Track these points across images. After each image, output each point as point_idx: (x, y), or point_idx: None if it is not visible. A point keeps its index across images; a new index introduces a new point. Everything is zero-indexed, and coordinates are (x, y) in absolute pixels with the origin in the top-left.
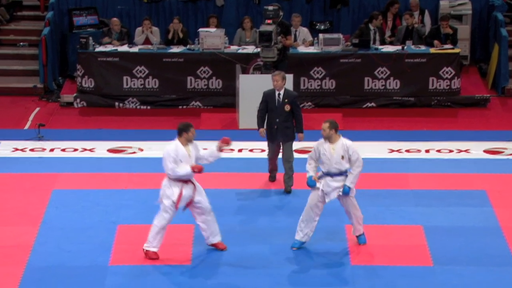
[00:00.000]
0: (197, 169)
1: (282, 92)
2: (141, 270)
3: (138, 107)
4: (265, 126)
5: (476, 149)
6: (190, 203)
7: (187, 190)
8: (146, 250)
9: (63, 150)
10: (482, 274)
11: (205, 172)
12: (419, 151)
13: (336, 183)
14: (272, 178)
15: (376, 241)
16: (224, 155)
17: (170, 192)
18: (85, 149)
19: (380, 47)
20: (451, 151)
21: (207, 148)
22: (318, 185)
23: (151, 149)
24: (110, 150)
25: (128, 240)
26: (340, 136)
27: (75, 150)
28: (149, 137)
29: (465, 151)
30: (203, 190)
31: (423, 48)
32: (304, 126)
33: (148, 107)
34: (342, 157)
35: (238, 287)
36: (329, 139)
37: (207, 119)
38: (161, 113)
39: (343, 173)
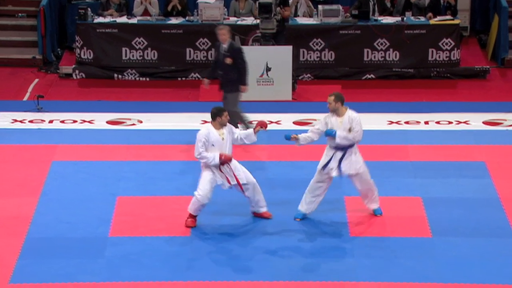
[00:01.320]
0: (224, 158)
1: (226, 45)
2: (140, 242)
3: (137, 78)
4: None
5: (475, 121)
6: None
7: (221, 174)
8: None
9: (62, 121)
10: (481, 246)
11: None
12: (418, 122)
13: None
14: (245, 126)
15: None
16: None
17: (208, 172)
18: (84, 121)
19: (379, 18)
20: (450, 122)
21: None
22: (323, 159)
23: (150, 120)
24: (109, 122)
25: (127, 211)
26: (347, 109)
27: (74, 121)
28: (148, 109)
29: (464, 122)
30: (241, 166)
31: (422, 19)
32: (303, 98)
33: (147, 79)
34: (349, 130)
35: (237, 257)
36: (335, 112)
37: (206, 91)
38: (160, 84)
39: (350, 147)
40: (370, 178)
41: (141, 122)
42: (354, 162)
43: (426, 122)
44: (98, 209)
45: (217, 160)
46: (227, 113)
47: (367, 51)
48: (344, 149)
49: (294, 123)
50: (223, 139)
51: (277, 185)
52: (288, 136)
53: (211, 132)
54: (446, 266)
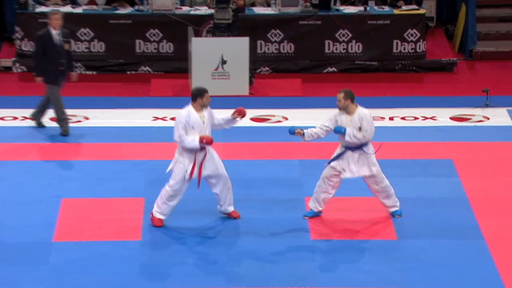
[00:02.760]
0: (206, 141)
1: (59, 31)
2: (87, 246)
3: (83, 72)
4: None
5: (442, 116)
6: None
7: (199, 159)
8: (153, 216)
9: (2, 118)
10: (448, 248)
11: (158, 142)
12: (382, 118)
13: (355, 163)
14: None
15: (336, 214)
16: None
17: (181, 161)
18: (26, 118)
19: (341, 8)
20: (416, 118)
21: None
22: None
23: (97, 117)
24: (53, 119)
25: (73, 214)
26: (358, 106)
27: (15, 118)
28: (95, 105)
29: (431, 118)
30: (217, 158)
31: (386, 9)
32: (260, 92)
33: (94, 73)
34: (360, 129)
35: (187, 263)
36: (345, 109)
37: (157, 86)
38: (108, 78)
39: (362, 147)
40: (385, 179)
41: (87, 119)
42: (367, 163)
43: (391, 118)
44: (41, 212)
45: (196, 143)
46: (208, 94)
47: (328, 43)
48: (355, 148)
49: (252, 119)
50: (203, 122)
51: (234, 184)
52: (293, 130)
53: (192, 114)
54: (412, 270)
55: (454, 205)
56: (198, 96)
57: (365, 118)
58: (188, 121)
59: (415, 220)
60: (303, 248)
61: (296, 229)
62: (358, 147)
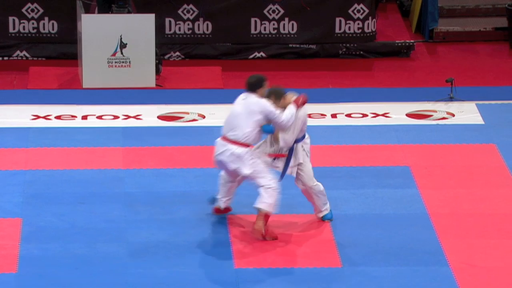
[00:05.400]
0: (302, 99)
1: None
2: None
3: None
4: None
5: (397, 113)
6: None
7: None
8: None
9: None
10: (405, 276)
11: (39, 147)
12: (323, 115)
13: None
14: None
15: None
16: (63, 123)
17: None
18: None
19: None
20: (364, 115)
21: None
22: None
23: None
24: None
25: None
26: (292, 98)
27: None
28: None
29: (382, 115)
30: None
31: None
32: (170, 84)
33: None
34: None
35: None
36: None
37: (37, 75)
38: None
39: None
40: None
41: None
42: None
43: (334, 115)
44: None
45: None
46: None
47: (255, 21)
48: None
49: (160, 117)
50: None
51: (138, 201)
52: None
53: None
54: None
55: (411, 224)
56: (258, 87)
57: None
58: None
59: (364, 243)
60: (225, 279)
61: (218, 255)
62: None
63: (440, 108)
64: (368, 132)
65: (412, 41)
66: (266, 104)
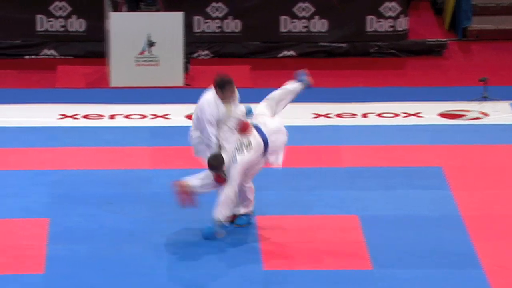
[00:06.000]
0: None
1: None
2: None
3: None
4: None
5: (429, 112)
6: None
7: None
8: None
9: None
10: (437, 279)
11: (67, 146)
12: (353, 115)
13: None
14: None
15: (295, 237)
16: (91, 122)
17: None
18: None
19: None
20: (396, 115)
21: None
22: None
23: None
24: None
25: None
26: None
27: None
28: None
29: (414, 114)
30: None
31: None
32: (199, 83)
33: None
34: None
35: None
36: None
37: (65, 74)
38: (0, 65)
39: None
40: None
41: None
42: None
43: (364, 115)
44: None
45: None
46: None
47: (285, 20)
48: None
49: (188, 117)
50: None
51: (165, 201)
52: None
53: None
54: None
55: (444, 226)
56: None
57: None
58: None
59: (395, 245)
60: (254, 280)
61: (246, 257)
62: None
63: (473, 108)
64: (399, 132)
65: (445, 39)
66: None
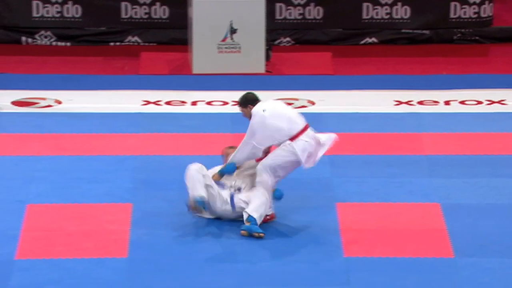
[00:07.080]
0: None
1: None
2: (58, 265)
3: (54, 43)
4: None
5: None
6: None
7: None
8: None
9: None
10: None
11: (150, 132)
12: (436, 102)
13: None
14: None
15: (376, 225)
16: (173, 109)
17: None
18: None
19: None
20: (479, 102)
21: None
22: None
23: (72, 101)
24: (15, 103)
25: (41, 225)
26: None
27: None
28: (70, 85)
29: (498, 102)
30: None
31: None
32: (280, 70)
33: (68, 44)
34: None
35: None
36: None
37: (148, 61)
38: (86, 51)
39: None
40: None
41: (60, 103)
42: None
43: (447, 102)
44: (1, 223)
45: None
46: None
47: (367, 6)
48: None
49: None
50: None
51: None
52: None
53: None
54: None
55: None
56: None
57: None
58: None
59: (477, 233)
60: (334, 268)
61: (325, 244)
62: None
63: None
64: (483, 119)
65: None
66: None
